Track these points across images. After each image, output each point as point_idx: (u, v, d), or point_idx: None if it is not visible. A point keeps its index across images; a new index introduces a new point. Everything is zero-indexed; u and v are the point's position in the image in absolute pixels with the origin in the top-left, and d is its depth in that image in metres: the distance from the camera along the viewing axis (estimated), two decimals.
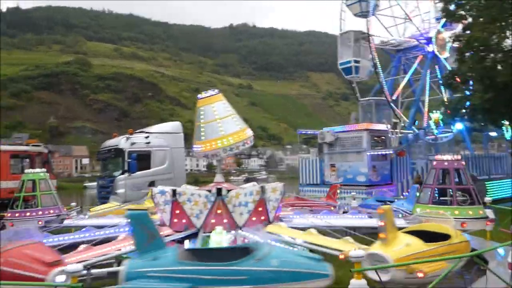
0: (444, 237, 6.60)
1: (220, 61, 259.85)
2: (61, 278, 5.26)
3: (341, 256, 6.21)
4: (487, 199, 10.76)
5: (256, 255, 5.21)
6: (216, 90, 11.04)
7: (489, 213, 9.47)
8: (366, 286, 4.58)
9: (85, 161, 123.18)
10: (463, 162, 10.54)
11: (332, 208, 14.30)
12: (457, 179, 10.24)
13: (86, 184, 74.63)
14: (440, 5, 21.10)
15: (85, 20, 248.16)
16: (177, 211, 9.56)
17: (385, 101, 24.96)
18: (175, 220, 9.60)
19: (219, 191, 9.47)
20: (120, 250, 7.42)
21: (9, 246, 5.88)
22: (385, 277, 5.53)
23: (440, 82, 24.61)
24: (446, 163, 10.00)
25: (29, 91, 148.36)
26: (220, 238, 7.88)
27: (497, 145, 46.01)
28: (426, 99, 28.05)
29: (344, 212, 13.14)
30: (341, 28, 27.38)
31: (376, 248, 6.13)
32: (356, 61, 25.48)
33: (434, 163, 10.35)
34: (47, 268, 5.36)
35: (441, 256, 5.96)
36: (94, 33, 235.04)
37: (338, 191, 17.68)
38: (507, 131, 26.32)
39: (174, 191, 9.58)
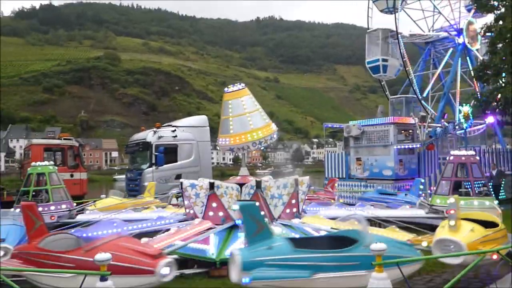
0: (492, 224, 6.82)
1: (247, 54, 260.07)
2: (165, 270, 5.47)
3: (424, 244, 6.79)
4: None
5: (363, 242, 5.36)
6: (243, 84, 11.05)
7: None
8: (387, 279, 4.58)
9: (114, 154, 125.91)
10: (478, 157, 11.73)
11: (332, 201, 14.32)
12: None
13: (115, 177, 76.30)
14: None
15: (115, 16, 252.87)
16: (214, 204, 9.69)
17: (415, 98, 24.50)
18: (211, 213, 9.72)
19: (258, 183, 9.58)
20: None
21: (103, 240, 5.96)
22: (457, 261, 5.89)
23: (471, 74, 23.98)
24: (463, 158, 10.94)
25: (61, 85, 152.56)
26: (278, 230, 8.01)
27: None
28: (457, 92, 27.40)
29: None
30: (368, 26, 26.89)
31: (446, 234, 6.37)
32: (384, 60, 24.95)
33: (451, 157, 11.23)
34: (154, 261, 5.50)
35: (496, 241, 6.31)
36: (123, 28, 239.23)
37: (336, 184, 18.09)
38: None
39: (212, 184, 9.73)
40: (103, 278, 4.28)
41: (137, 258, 5.48)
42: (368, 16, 27.21)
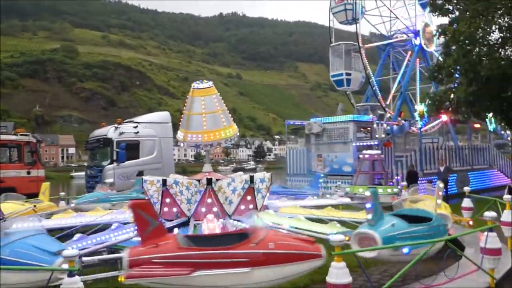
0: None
1: (209, 50, 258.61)
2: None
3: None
4: (466, 188, 11.15)
5: None
6: (211, 82, 11.05)
7: (467, 202, 9.86)
8: (345, 269, 4.85)
9: (71, 150, 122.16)
10: (382, 156, 15.87)
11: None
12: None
13: (72, 174, 74.18)
14: None
15: (73, 6, 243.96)
16: (168, 200, 9.76)
17: (379, 105, 25.60)
18: (166, 209, 9.80)
19: (209, 180, 9.69)
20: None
21: (261, 231, 5.80)
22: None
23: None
24: (375, 156, 15.07)
25: (15, 78, 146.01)
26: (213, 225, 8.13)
27: (481, 137, 46.84)
28: (417, 90, 28.61)
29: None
30: (331, 40, 27.84)
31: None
32: (347, 74, 25.86)
33: (367, 156, 15.23)
34: (315, 245, 5.79)
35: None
36: (81, 19, 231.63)
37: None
38: (490, 123, 26.89)
39: (164, 181, 9.76)
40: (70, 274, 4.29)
41: (303, 245, 5.72)
42: (330, 27, 28.05)
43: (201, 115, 10.41)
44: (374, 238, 6.21)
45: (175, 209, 9.74)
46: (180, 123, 10.89)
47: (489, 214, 6.45)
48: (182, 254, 5.20)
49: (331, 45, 26.93)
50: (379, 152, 14.81)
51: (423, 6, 27.85)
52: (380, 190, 11.64)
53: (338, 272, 4.82)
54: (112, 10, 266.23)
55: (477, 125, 27.12)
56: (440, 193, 8.72)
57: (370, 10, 28.93)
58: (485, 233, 6.26)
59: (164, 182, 9.75)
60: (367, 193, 7.15)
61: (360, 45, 25.68)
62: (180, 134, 10.77)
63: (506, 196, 8.17)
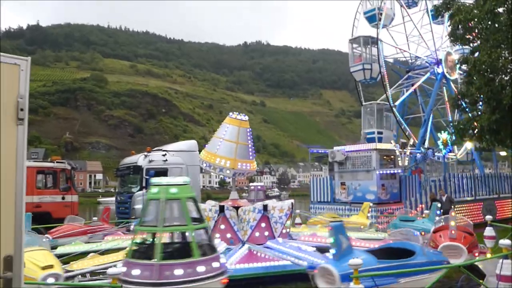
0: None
1: (234, 78, 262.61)
2: None
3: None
4: (488, 217, 11.20)
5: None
6: (247, 117, 11.73)
7: (489, 231, 9.97)
8: None
9: (99, 176, 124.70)
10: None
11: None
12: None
13: (99, 200, 75.61)
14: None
15: (102, 37, 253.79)
16: (222, 226, 10.30)
17: (387, 105, 25.35)
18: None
19: (221, 208, 10.22)
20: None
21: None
22: None
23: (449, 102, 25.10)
24: (259, 187, 18.09)
25: (46, 106, 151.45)
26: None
27: (507, 165, 45.88)
28: (430, 119, 28.59)
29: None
30: (352, 34, 28.30)
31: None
32: (379, 133, 26.03)
33: (252, 187, 18.62)
34: None
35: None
36: (110, 50, 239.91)
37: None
38: None
39: (222, 207, 10.32)
40: None
41: None
42: (353, 26, 28.60)
43: (247, 146, 11.00)
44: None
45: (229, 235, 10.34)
46: (207, 144, 11.46)
47: (504, 242, 6.65)
48: None
49: (363, 104, 26.94)
50: (261, 184, 16.85)
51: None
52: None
53: None
54: (140, 41, 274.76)
55: (502, 153, 26.83)
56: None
57: (395, 25, 29.25)
58: (500, 260, 6.46)
59: (222, 208, 10.45)
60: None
61: (391, 104, 25.72)
62: (205, 155, 11.20)
63: None
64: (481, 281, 6.70)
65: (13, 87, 2.40)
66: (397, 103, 27.40)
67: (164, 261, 5.69)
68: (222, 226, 10.08)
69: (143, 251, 6.13)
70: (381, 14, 26.94)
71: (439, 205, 16.04)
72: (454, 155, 25.99)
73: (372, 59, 26.45)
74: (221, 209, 10.19)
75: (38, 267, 6.51)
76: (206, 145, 11.46)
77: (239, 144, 11.00)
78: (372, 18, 27.60)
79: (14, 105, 2.41)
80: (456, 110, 25.57)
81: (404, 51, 29.45)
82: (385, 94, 26.05)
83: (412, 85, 29.40)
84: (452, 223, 9.12)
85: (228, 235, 10.02)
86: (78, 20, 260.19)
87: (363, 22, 28.73)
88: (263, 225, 10.35)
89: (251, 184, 17.63)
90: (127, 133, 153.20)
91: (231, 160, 10.85)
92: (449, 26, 21.62)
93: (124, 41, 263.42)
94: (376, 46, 25.91)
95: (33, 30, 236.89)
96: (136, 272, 5.62)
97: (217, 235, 10.00)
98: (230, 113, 11.60)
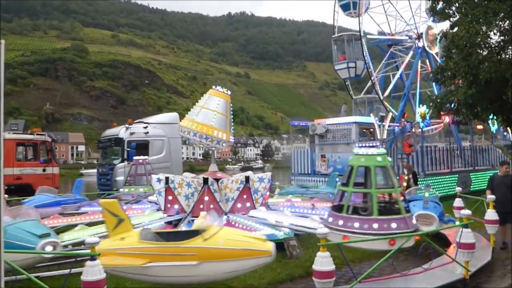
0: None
1: (218, 49, 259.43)
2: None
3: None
4: (458, 189, 11.69)
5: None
6: (229, 92, 11.87)
7: (459, 202, 10.46)
8: (329, 258, 5.52)
9: (81, 148, 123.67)
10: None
11: None
12: None
13: (82, 171, 75.28)
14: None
15: (83, 6, 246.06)
16: (170, 197, 10.56)
17: (377, 98, 25.84)
18: (169, 205, 10.62)
19: (205, 180, 10.46)
20: None
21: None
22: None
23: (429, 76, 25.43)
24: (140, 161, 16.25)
25: (26, 77, 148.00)
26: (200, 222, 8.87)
27: (484, 138, 47.00)
28: (418, 92, 28.93)
29: None
30: (334, 31, 28.34)
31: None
32: (351, 62, 26.39)
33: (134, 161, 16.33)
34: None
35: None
36: (91, 19, 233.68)
37: None
38: (493, 125, 27.21)
39: (167, 178, 10.55)
40: (92, 258, 5.01)
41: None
42: (334, 20, 28.53)
43: (225, 117, 11.20)
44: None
45: (176, 206, 10.56)
46: (188, 113, 11.59)
47: (464, 212, 7.04)
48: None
49: (333, 36, 27.41)
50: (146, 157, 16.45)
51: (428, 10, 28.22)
52: None
53: (323, 261, 5.48)
54: (122, 10, 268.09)
55: (479, 127, 27.45)
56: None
57: (375, 7, 29.26)
58: (460, 229, 6.88)
59: (167, 180, 10.54)
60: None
61: (361, 34, 26.06)
62: (199, 126, 11.10)
63: (489, 197, 8.74)
64: (442, 249, 7.12)
65: None
66: (386, 92, 27.85)
67: (382, 216, 6.96)
68: (206, 198, 10.35)
69: (357, 209, 7.45)
70: (355, 3, 26.96)
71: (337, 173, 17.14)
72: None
73: (356, 56, 26.62)
74: (205, 181, 10.43)
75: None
76: (193, 116, 11.23)
77: (228, 118, 11.34)
78: (346, 6, 27.54)
79: None
80: (434, 84, 25.93)
81: (390, 35, 29.62)
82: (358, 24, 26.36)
83: (397, 67, 29.73)
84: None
85: (212, 206, 10.31)
86: None
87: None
88: (245, 196, 10.62)
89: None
90: (110, 105, 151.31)
91: (226, 133, 11.12)
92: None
93: (105, 10, 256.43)
94: (359, 41, 26.09)
95: None
96: (356, 224, 6.97)
97: (201, 206, 10.28)
98: (218, 87, 11.71)
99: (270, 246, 6.00)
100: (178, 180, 10.60)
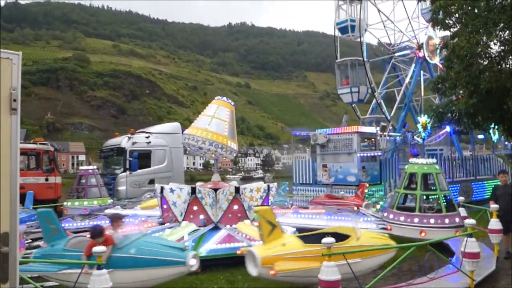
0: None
1: (218, 59, 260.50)
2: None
3: (238, 252, 7.67)
4: (461, 198, 11.70)
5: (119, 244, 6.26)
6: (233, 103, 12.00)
7: (461, 211, 10.46)
8: (335, 267, 5.52)
9: (82, 157, 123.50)
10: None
11: (355, 208, 13.94)
12: None
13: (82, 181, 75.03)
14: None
15: (84, 16, 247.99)
16: (165, 206, 10.67)
17: (383, 118, 26.52)
18: (165, 214, 10.80)
19: (193, 189, 10.47)
20: None
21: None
22: (254, 272, 6.23)
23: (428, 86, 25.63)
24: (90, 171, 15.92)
25: (27, 86, 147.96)
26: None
27: (485, 148, 47.03)
28: (422, 101, 29.13)
29: None
30: (337, 56, 28.68)
31: (254, 247, 6.76)
32: (354, 87, 26.69)
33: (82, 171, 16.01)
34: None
35: (313, 259, 6.20)
36: (92, 29, 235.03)
37: (366, 190, 17.48)
38: (494, 134, 27.28)
39: (162, 188, 10.63)
40: (99, 268, 5.03)
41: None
42: (335, 45, 28.92)
43: (225, 122, 11.23)
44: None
45: (170, 214, 10.65)
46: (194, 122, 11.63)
47: (469, 221, 7.07)
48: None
49: (336, 61, 27.69)
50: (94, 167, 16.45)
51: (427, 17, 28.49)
52: None
53: (329, 270, 5.49)
54: (123, 20, 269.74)
55: (480, 136, 27.52)
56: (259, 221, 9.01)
57: (374, 24, 29.63)
58: (465, 238, 6.89)
59: (162, 189, 10.86)
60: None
61: (365, 59, 26.34)
62: (214, 136, 11.03)
63: (493, 206, 8.76)
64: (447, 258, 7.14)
65: (7, 80, 2.59)
66: (392, 113, 27.98)
67: (423, 213, 9.14)
68: (195, 207, 10.39)
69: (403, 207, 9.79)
70: (353, 26, 27.31)
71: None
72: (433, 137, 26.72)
73: (358, 81, 26.95)
74: (193, 190, 10.47)
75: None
76: (206, 126, 11.11)
77: (235, 128, 11.56)
78: (344, 29, 27.87)
79: (8, 97, 2.60)
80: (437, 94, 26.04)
81: (391, 47, 29.93)
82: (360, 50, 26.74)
83: (399, 82, 29.97)
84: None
85: (201, 216, 10.35)
86: None
87: None
88: (235, 207, 10.63)
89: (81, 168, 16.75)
90: (110, 114, 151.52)
91: (235, 143, 11.35)
92: (430, 11, 21.88)
93: (107, 20, 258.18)
94: (363, 66, 26.45)
95: (11, 7, 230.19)
96: (402, 218, 9.28)
97: (191, 216, 10.36)
98: (223, 97, 11.80)
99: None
100: (171, 188, 10.67)
